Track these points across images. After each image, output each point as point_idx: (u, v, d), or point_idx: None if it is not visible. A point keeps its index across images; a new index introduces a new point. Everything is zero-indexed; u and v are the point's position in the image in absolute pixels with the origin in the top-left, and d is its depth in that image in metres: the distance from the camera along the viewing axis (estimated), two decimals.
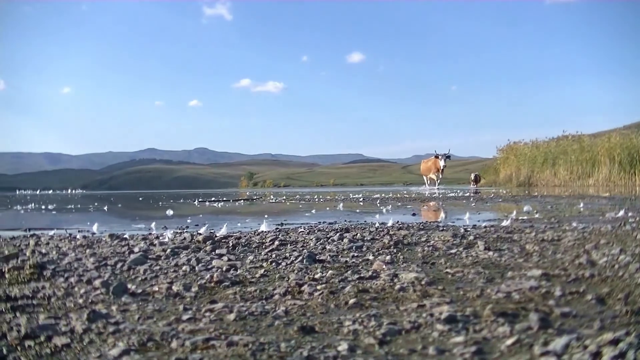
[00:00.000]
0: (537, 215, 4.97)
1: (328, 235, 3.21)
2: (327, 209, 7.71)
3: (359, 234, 3.25)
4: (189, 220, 5.57)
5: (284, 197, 14.27)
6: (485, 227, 3.78)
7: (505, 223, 3.87)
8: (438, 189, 22.90)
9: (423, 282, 1.70)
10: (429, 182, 25.32)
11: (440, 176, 23.78)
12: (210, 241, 3.00)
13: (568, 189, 20.12)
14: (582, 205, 6.56)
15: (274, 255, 2.48)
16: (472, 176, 29.62)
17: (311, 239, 3.08)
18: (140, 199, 17.82)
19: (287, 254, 2.48)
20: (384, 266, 2.04)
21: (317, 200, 11.38)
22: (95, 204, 12.48)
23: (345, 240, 2.93)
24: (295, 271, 2.03)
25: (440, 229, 3.74)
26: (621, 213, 4.54)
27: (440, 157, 23.25)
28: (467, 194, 13.44)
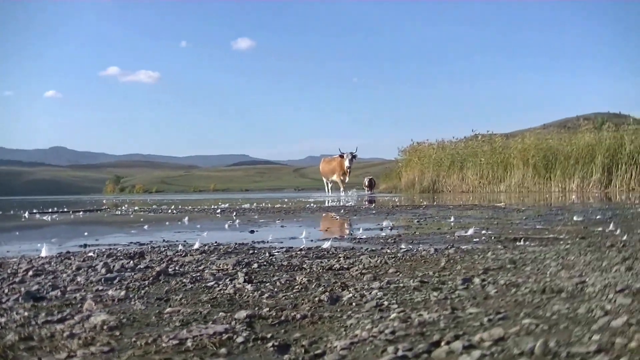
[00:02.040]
0: (383, 233, 5.18)
1: (95, 264, 3.24)
2: (167, 223, 7.70)
3: (132, 262, 3.29)
4: None
5: (137, 207, 14.11)
6: (302, 249, 3.92)
7: (326, 245, 4.03)
8: (344, 194, 22.88)
9: (106, 327, 1.77)
10: (331, 185, 25.15)
11: (347, 179, 23.71)
12: None
13: (475, 195, 20.93)
14: (452, 219, 6.86)
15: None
16: (366, 181, 30.05)
17: (72, 268, 3.11)
18: None
19: (22, 289, 2.50)
20: (94, 306, 2.10)
21: (171, 211, 11.33)
22: None
23: (103, 270, 2.98)
24: None
25: (250, 252, 3.85)
26: (470, 231, 4.81)
27: (345, 156, 23.28)
28: (350, 203, 13.74)
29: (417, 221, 6.91)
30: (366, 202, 15.12)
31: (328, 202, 15.25)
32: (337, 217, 8.33)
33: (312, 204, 13.47)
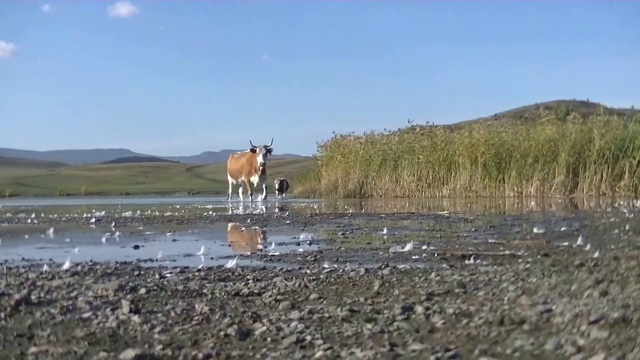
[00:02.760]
0: (301, 249, 5.21)
1: None
2: (27, 236, 7.56)
3: None
4: None
5: None
6: (200, 269, 3.91)
7: (230, 264, 4.02)
8: (260, 199, 22.32)
9: None
10: (242, 189, 24.13)
11: (259, 180, 22.65)
12: None
13: (412, 201, 21.19)
14: (385, 231, 6.94)
15: None
16: (277, 183, 29.98)
17: None
18: None
19: None
20: None
21: (31, 221, 11.12)
22: None
23: None
24: None
25: (136, 273, 3.82)
26: (408, 247, 4.88)
27: (258, 150, 22.57)
28: (257, 211, 13.77)
29: (342, 233, 6.98)
30: (277, 210, 15.16)
31: (231, 210, 15.24)
32: (243, 229, 8.34)
33: (210, 212, 13.45)
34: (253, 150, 22.70)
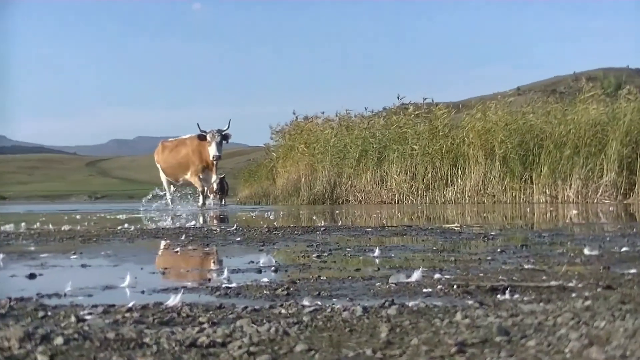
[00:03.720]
0: (265, 278, 5.19)
1: None
2: None
3: None
4: None
5: None
6: (131, 308, 3.88)
7: (173, 301, 3.99)
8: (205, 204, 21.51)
9: None
10: (173, 191, 22.65)
11: (215, 177, 22.47)
12: None
13: (405, 209, 21.15)
14: (377, 252, 6.93)
15: None
16: (214, 183, 29.57)
17: None
18: None
19: None
20: None
21: None
22: None
23: None
24: None
25: (41, 314, 3.78)
26: (415, 276, 4.86)
27: (210, 136, 21.20)
28: (192, 223, 13.71)
29: (318, 256, 6.95)
30: (219, 221, 15.11)
31: (155, 222, 15.14)
32: (177, 249, 8.25)
33: (127, 225, 13.34)
34: (202, 137, 21.36)
